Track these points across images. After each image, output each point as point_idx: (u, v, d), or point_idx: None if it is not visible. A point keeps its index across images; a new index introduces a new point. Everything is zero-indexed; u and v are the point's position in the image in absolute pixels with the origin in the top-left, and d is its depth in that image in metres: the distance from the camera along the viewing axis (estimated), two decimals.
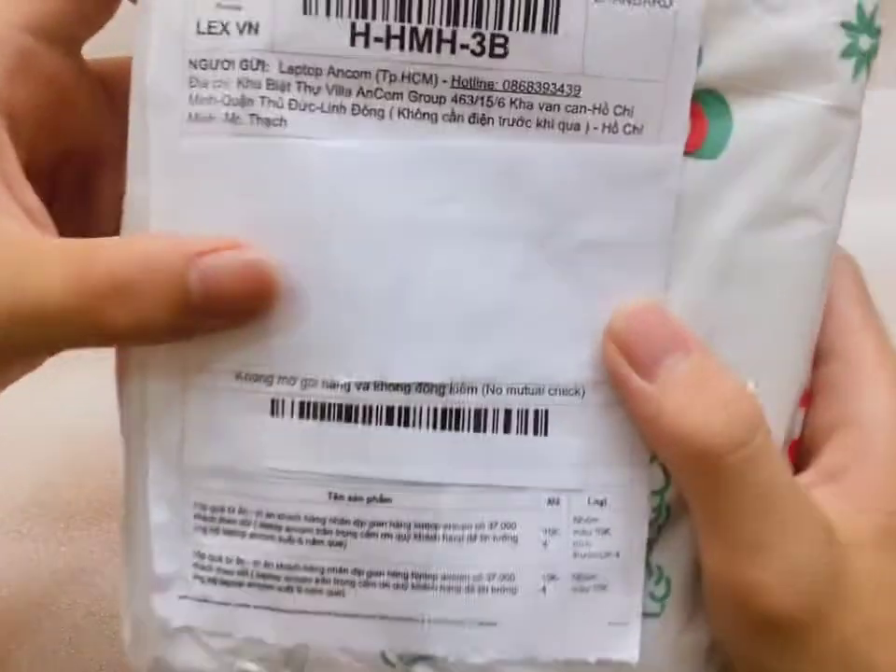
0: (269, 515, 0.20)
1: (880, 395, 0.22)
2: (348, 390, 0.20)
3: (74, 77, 0.22)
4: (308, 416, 0.20)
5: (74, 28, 0.22)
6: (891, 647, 0.20)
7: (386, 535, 0.20)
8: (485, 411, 0.20)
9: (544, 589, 0.21)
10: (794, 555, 0.20)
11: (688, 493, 0.20)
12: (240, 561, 0.21)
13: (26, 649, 0.29)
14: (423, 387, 0.20)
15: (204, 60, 0.19)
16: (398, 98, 0.19)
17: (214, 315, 0.19)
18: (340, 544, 0.20)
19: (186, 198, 0.20)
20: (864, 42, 0.21)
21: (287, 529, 0.20)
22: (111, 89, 0.23)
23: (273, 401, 0.20)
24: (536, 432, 0.20)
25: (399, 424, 0.20)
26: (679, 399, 0.19)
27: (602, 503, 0.21)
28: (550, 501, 0.21)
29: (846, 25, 0.20)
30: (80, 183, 0.24)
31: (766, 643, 0.20)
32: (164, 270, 0.18)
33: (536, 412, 0.20)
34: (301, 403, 0.20)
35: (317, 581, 0.20)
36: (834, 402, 0.23)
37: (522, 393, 0.20)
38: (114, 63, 0.23)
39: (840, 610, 0.20)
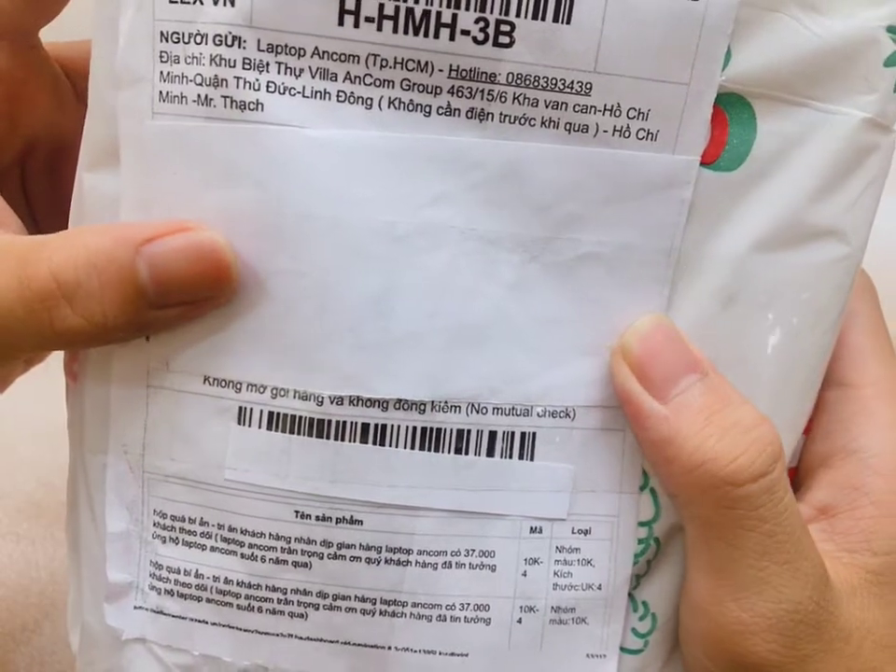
0: (231, 529, 0.19)
1: (878, 428, 0.21)
2: (321, 403, 0.18)
3: (27, 68, 0.21)
4: (277, 428, 0.19)
5: (22, 19, 0.20)
6: None
7: (355, 558, 0.19)
8: (468, 432, 0.19)
9: (520, 620, 0.19)
10: (786, 598, 0.18)
11: (691, 522, 0.19)
12: (199, 574, 0.19)
13: (24, 650, 0.29)
14: (402, 404, 0.18)
15: (176, 33, 0.17)
16: (388, 86, 0.17)
17: (170, 305, 0.18)
18: (305, 565, 0.19)
19: (156, 185, 0.18)
20: None
21: (250, 546, 0.19)
22: (72, 74, 0.22)
23: (240, 409, 0.19)
24: (521, 456, 0.19)
25: (374, 442, 0.19)
26: (696, 421, 0.18)
27: (586, 532, 0.20)
28: (532, 530, 0.19)
29: (893, 30, 0.18)
30: (50, 170, 0.23)
31: None
32: (111, 265, 0.17)
33: (522, 434, 0.19)
34: (270, 413, 0.19)
35: (279, 601, 0.19)
36: (831, 431, 0.22)
37: (508, 414, 0.19)
38: (74, 48, 0.22)
39: (822, 656, 0.19)
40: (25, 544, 0.32)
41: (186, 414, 0.19)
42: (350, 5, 0.17)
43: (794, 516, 0.19)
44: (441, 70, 0.17)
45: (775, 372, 0.20)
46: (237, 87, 0.17)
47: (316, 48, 0.17)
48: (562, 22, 0.17)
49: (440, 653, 0.19)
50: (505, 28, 0.17)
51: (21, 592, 0.30)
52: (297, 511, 0.19)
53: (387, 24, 0.17)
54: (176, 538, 0.19)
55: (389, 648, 0.19)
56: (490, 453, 0.19)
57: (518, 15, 0.17)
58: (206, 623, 0.19)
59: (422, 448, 0.19)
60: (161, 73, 0.17)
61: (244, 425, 0.19)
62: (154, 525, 0.19)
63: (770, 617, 0.18)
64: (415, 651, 0.19)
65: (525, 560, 0.19)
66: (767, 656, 0.18)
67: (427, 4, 0.17)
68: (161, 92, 0.18)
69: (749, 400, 0.19)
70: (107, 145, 0.18)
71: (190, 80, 0.17)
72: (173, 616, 0.20)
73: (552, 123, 0.18)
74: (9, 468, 0.36)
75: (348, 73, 0.17)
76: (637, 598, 0.20)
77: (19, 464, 0.36)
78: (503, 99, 0.17)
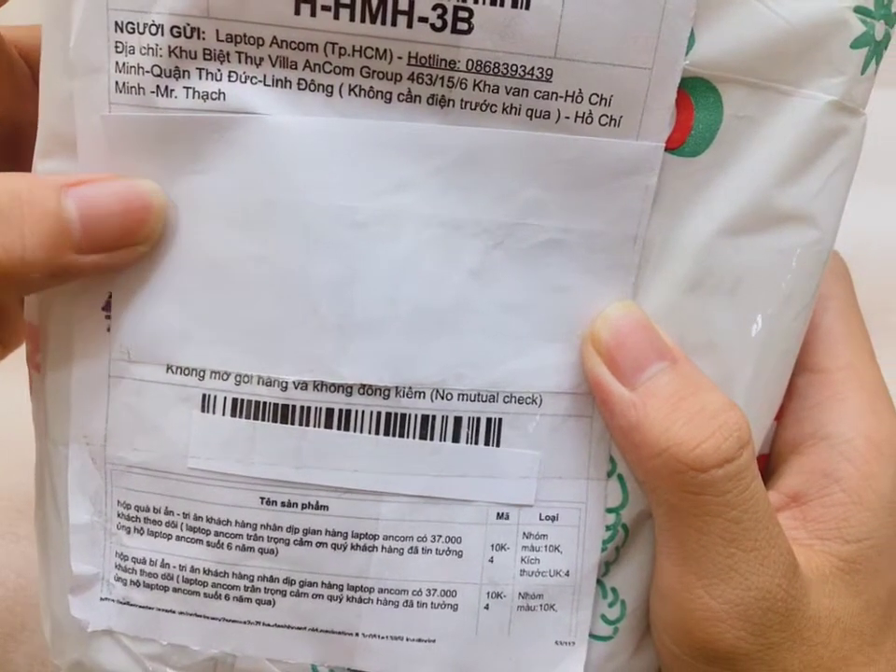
0: (196, 518, 0.19)
1: (849, 414, 0.21)
2: (285, 389, 0.18)
3: None
4: (241, 415, 0.19)
5: None
6: None
7: (321, 544, 0.19)
8: (433, 417, 0.19)
9: (487, 607, 0.19)
10: (754, 585, 0.18)
11: (658, 509, 0.19)
12: (165, 564, 0.19)
13: (24, 650, 0.29)
14: (366, 389, 0.19)
15: (131, 23, 0.17)
16: (348, 74, 0.17)
17: (95, 248, 0.17)
18: (271, 552, 0.19)
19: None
20: (880, 30, 0.19)
21: (216, 534, 0.19)
22: (30, 59, 0.22)
23: (204, 397, 0.19)
24: (487, 442, 0.19)
25: (338, 427, 0.19)
26: (663, 407, 0.18)
27: (554, 519, 0.20)
28: (499, 515, 0.19)
29: (860, 10, 0.18)
30: (10, 156, 0.22)
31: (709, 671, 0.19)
32: (37, 196, 0.17)
33: (488, 420, 0.19)
34: (234, 400, 0.19)
35: (246, 588, 0.19)
36: (802, 417, 0.21)
37: (474, 400, 0.19)
38: (31, 32, 0.22)
39: (791, 644, 0.19)
40: (25, 544, 0.32)
41: (148, 404, 0.19)
42: None
43: (762, 503, 0.18)
44: (400, 57, 0.17)
45: (744, 358, 0.20)
46: (199, 78, 0.17)
47: (275, 37, 0.17)
48: (521, 8, 0.17)
49: (406, 639, 0.19)
50: (463, 14, 0.17)
51: (21, 592, 0.30)
52: (262, 498, 0.19)
53: (344, 12, 0.17)
54: (141, 528, 0.19)
55: (356, 634, 0.19)
56: (455, 439, 0.19)
57: (476, 1, 0.17)
58: (173, 612, 0.19)
59: (387, 433, 0.19)
60: (118, 63, 0.17)
61: (207, 412, 0.19)
62: (118, 515, 0.19)
63: (738, 604, 0.18)
64: (382, 638, 0.19)
65: (492, 546, 0.19)
66: (735, 643, 0.18)
67: None
68: (117, 83, 0.18)
69: (718, 387, 0.19)
70: (60, 133, 0.18)
71: (147, 71, 0.17)
72: (139, 607, 0.20)
73: (513, 109, 0.18)
74: (9, 468, 0.36)
75: (308, 61, 0.17)
76: (607, 585, 0.20)
77: (18, 464, 0.36)
78: (463, 86, 0.18)
